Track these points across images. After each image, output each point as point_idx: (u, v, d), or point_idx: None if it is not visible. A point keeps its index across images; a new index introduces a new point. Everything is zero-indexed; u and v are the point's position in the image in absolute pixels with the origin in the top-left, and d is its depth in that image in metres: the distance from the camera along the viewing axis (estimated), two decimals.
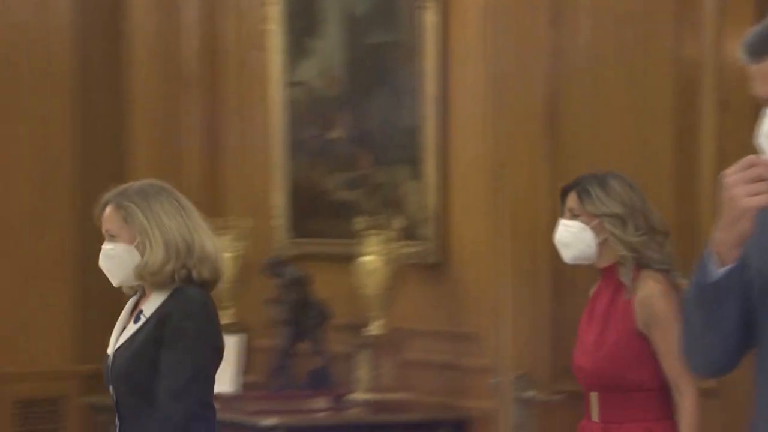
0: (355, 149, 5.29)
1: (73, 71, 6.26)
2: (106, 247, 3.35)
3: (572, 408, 4.22)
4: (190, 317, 3.31)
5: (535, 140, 4.54)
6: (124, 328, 3.33)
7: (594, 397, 3.80)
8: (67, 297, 6.41)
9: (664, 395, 3.68)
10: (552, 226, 4.21)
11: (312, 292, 5.02)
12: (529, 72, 4.56)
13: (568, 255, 3.91)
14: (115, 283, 3.43)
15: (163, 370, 3.24)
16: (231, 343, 5.12)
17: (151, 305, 3.35)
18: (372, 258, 4.71)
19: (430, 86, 4.73)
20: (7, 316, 6.46)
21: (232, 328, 5.23)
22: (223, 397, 4.93)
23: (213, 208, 5.74)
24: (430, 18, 4.73)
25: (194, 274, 3.29)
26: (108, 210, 3.30)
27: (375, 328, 4.74)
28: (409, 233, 4.82)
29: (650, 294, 3.74)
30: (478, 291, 4.75)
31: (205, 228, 3.42)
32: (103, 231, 3.33)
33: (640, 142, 4.66)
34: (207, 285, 3.38)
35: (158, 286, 3.35)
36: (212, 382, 3.34)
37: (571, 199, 3.86)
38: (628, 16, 4.61)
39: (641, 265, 3.75)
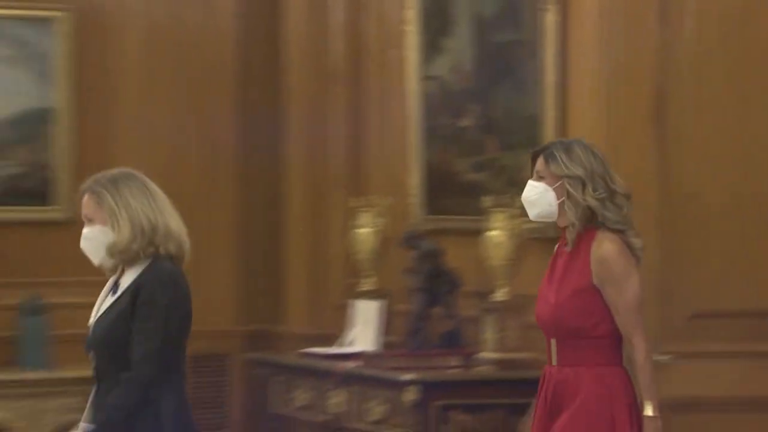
0: (483, 135, 5.50)
1: (236, 69, 6.67)
2: (84, 230, 3.55)
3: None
4: (160, 289, 3.48)
5: (644, 126, 4.84)
6: (103, 302, 3.55)
7: (553, 343, 3.86)
8: (232, 266, 6.87)
9: (614, 343, 3.73)
10: (659, 205, 4.55)
11: (444, 263, 5.26)
12: (639, 65, 4.86)
13: (532, 213, 3.95)
14: (95, 263, 3.57)
15: (135, 337, 3.44)
16: (372, 308, 5.67)
17: (126, 279, 3.53)
18: (497, 233, 4.95)
19: (549, 78, 4.96)
20: None
21: (374, 295, 5.62)
22: (366, 355, 5.38)
23: (356, 188, 6.23)
24: (550, 18, 4.96)
25: (161, 250, 3.47)
26: (85, 197, 3.49)
27: (500, 295, 4.97)
28: None
29: (607, 253, 3.75)
30: None
31: (170, 209, 3.59)
32: (83, 216, 3.52)
33: (742, 128, 4.87)
34: (176, 259, 3.55)
35: (130, 263, 3.52)
36: (182, 348, 3.52)
37: (539, 163, 3.89)
38: (730, 14, 4.85)
39: (598, 224, 3.80)
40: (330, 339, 6.00)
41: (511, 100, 5.42)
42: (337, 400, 5.41)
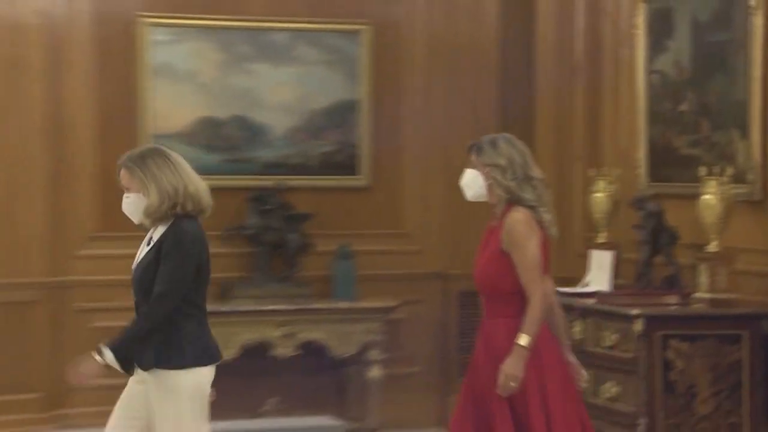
0: (698, 118, 5.88)
1: (497, 67, 7.22)
2: (124, 197, 3.96)
3: None
4: (178, 242, 3.84)
5: None
6: (142, 251, 3.99)
7: (483, 300, 4.34)
8: (453, 218, 7.30)
9: (522, 298, 4.12)
10: None
11: (665, 221, 5.65)
12: None
13: (468, 194, 4.40)
14: (136, 222, 4.01)
15: (157, 278, 3.82)
16: (606, 257, 6.06)
17: (157, 234, 3.89)
18: (710, 197, 5.29)
19: (756, 71, 5.27)
20: (448, 233, 7.32)
21: (607, 246, 6.06)
22: (601, 294, 5.75)
23: (593, 161, 6.66)
24: (757, 20, 5.27)
25: (180, 209, 3.79)
26: (121, 171, 3.88)
27: (712, 247, 5.29)
28: (738, 178, 5.34)
29: (513, 223, 4.20)
30: None
31: (189, 174, 3.95)
32: (123, 186, 3.92)
33: None
34: (195, 215, 3.92)
35: (160, 221, 3.87)
36: (200, 288, 3.95)
37: (473, 155, 4.37)
38: None
39: (514, 201, 4.24)
40: (573, 281, 6.25)
41: (722, 88, 5.70)
42: (578, 328, 5.72)
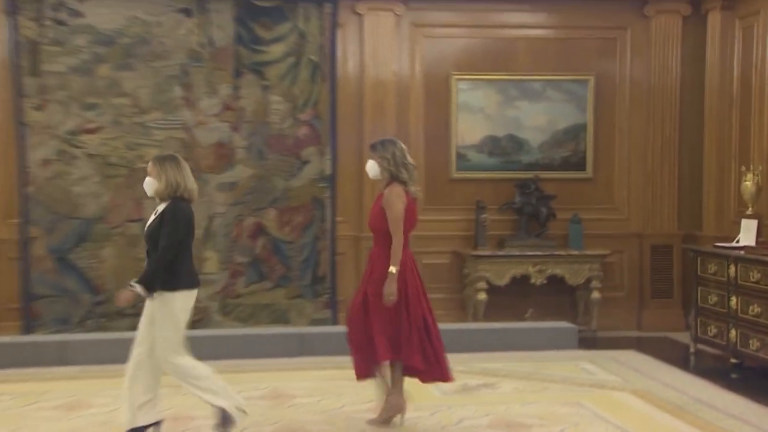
0: None
1: (678, 100, 8.13)
2: (146, 179, 4.58)
3: None
4: (173, 215, 4.47)
5: None
6: (150, 217, 4.56)
7: (373, 236, 5.05)
8: (646, 197, 8.17)
9: (391, 238, 4.88)
10: None
11: None
12: None
13: (370, 175, 5.06)
14: (149, 195, 4.59)
15: (161, 236, 4.42)
16: (753, 223, 6.69)
17: (160, 208, 4.51)
18: None
19: None
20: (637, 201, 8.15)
21: (753, 216, 6.73)
22: (748, 247, 6.39)
23: (743, 160, 7.38)
24: None
25: (178, 194, 4.42)
26: (149, 164, 4.59)
27: None
28: None
29: (389, 193, 4.92)
30: None
31: (187, 175, 4.55)
32: (147, 172, 4.59)
33: None
34: (186, 199, 4.51)
35: (163, 199, 4.49)
36: (188, 241, 4.50)
37: (370, 150, 5.02)
38: None
39: (394, 179, 4.93)
40: (730, 239, 6.92)
41: None
42: (732, 269, 6.38)
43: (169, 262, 4.34)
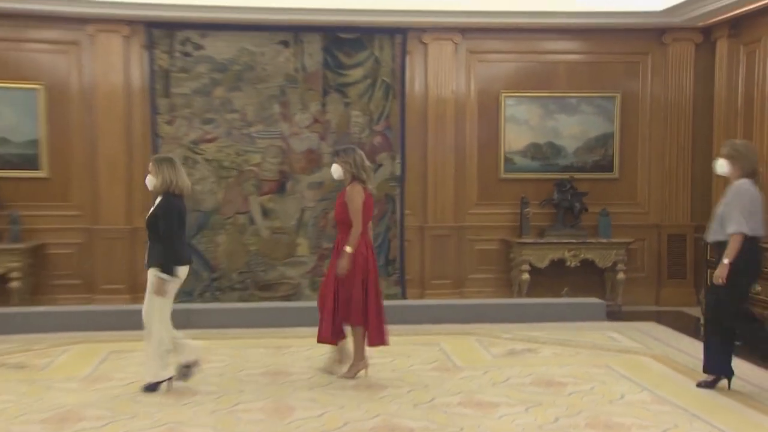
0: None
1: (691, 113, 8.22)
2: (147, 177, 4.83)
3: None
4: (165, 209, 4.70)
5: None
6: (150, 207, 4.78)
7: (338, 227, 5.24)
8: (664, 194, 8.26)
9: (351, 227, 5.07)
10: None
11: None
12: None
13: (335, 176, 5.22)
14: (150, 189, 4.81)
15: (160, 225, 4.68)
16: None
17: (157, 200, 4.75)
18: None
19: None
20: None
21: None
22: None
23: None
24: None
25: (172, 190, 4.66)
26: (150, 163, 4.84)
27: None
28: None
29: (350, 190, 5.07)
30: None
31: (181, 174, 4.74)
32: (149, 170, 4.80)
33: None
34: (179, 194, 4.73)
35: (159, 194, 4.73)
36: (181, 231, 4.71)
37: (334, 156, 5.26)
38: None
39: (355, 179, 5.10)
40: None
41: None
42: None
43: (171, 246, 4.65)
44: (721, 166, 5.00)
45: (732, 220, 4.75)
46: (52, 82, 7.97)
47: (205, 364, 5.59)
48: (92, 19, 7.84)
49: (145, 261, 4.77)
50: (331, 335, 5.22)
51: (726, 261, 4.80)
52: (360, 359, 5.29)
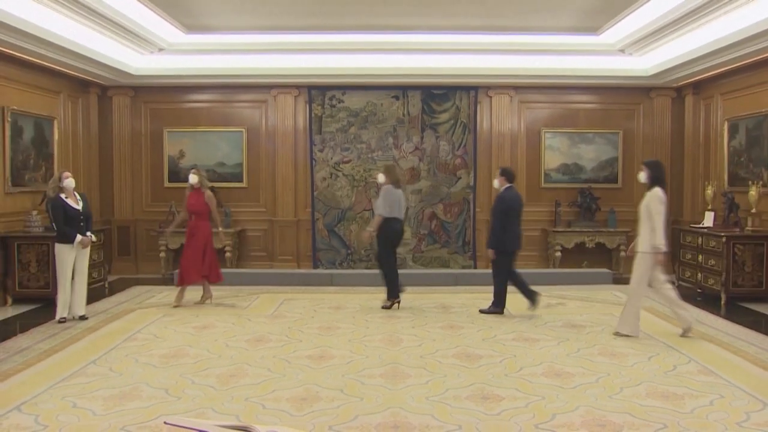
0: (749, 163, 6.94)
1: (670, 142, 8.78)
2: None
3: None
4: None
5: None
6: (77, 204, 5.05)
7: (192, 215, 5.73)
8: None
9: (209, 216, 5.61)
10: None
11: (734, 202, 6.68)
12: None
13: (191, 182, 5.46)
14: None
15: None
16: (710, 215, 7.10)
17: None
18: (753, 193, 6.17)
19: None
20: None
21: (711, 210, 7.31)
22: (708, 227, 6.84)
23: (706, 178, 7.99)
24: None
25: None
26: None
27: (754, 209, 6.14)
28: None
29: (209, 193, 5.32)
30: None
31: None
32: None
33: None
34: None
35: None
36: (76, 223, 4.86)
37: (191, 171, 5.56)
38: None
39: (205, 188, 5.25)
40: (697, 222, 7.53)
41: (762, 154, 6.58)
42: (699, 240, 6.80)
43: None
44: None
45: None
46: (250, 126, 9.03)
47: (342, 310, 5.96)
48: (274, 86, 8.97)
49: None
50: (192, 280, 5.90)
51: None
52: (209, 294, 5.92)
